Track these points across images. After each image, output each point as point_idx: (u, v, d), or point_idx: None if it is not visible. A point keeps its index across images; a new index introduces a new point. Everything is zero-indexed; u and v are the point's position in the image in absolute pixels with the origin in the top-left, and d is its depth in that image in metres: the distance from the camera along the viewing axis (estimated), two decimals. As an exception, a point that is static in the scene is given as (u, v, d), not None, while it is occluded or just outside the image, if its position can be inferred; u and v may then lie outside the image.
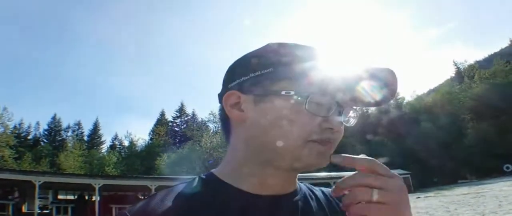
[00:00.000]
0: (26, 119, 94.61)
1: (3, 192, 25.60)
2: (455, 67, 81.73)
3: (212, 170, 0.90)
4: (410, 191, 39.54)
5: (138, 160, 68.86)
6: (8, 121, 63.64)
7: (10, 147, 58.80)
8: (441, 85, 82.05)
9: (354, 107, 0.84)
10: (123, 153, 79.13)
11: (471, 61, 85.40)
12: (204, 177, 0.88)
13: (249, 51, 0.88)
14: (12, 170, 31.30)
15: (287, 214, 0.84)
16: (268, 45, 0.85)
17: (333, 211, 0.95)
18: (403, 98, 78.53)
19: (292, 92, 0.77)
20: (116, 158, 68.35)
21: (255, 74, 0.81)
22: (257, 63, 0.82)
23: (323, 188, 1.04)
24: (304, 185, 0.99)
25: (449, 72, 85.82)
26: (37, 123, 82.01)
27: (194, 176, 0.90)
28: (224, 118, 0.89)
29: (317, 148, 0.77)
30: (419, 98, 75.25)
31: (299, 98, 0.76)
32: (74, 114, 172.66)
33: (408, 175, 45.95)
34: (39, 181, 24.73)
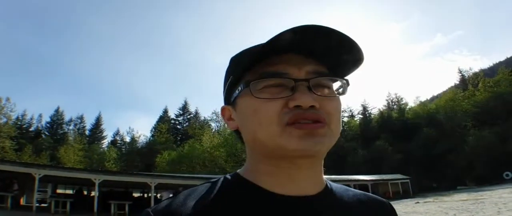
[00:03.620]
0: (29, 110, 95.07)
1: (2, 184, 25.50)
2: (460, 74, 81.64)
3: (238, 171, 0.90)
4: (409, 196, 39.69)
5: (138, 157, 69.03)
6: (11, 111, 64.95)
7: (11, 138, 59.32)
8: (445, 92, 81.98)
9: (325, 76, 0.81)
10: (123, 149, 79.40)
11: (476, 69, 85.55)
12: (229, 177, 0.88)
13: None
14: (12, 162, 30.90)
15: None
16: (230, 58, 0.91)
17: None
18: (406, 104, 78.97)
19: (240, 87, 0.81)
20: (116, 154, 68.40)
21: (226, 86, 0.90)
22: (226, 75, 0.91)
23: (359, 191, 1.00)
24: (339, 186, 0.95)
25: (454, 80, 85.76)
26: (40, 115, 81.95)
27: (219, 176, 0.90)
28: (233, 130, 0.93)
29: (296, 132, 0.75)
30: (422, 104, 75.51)
31: (246, 89, 0.78)
32: (78, 108, 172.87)
33: (408, 180, 46.00)
34: (39, 174, 24.49)
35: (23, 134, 71.48)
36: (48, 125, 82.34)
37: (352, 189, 0.99)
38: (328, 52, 0.80)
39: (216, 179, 0.89)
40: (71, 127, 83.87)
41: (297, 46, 0.77)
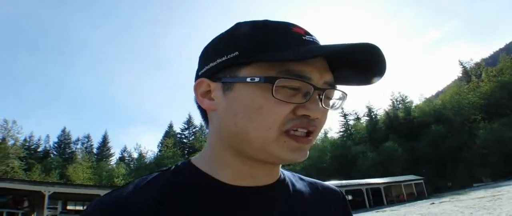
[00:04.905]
0: (36, 132, 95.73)
1: (13, 201, 25.76)
2: (461, 66, 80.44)
3: (191, 158, 0.84)
4: (424, 197, 39.11)
5: (147, 172, 68.71)
6: (18, 133, 65.58)
7: (20, 159, 60.08)
8: (448, 86, 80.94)
9: (337, 89, 0.78)
10: (132, 165, 79.54)
11: (477, 59, 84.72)
12: (180, 165, 0.83)
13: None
14: (22, 180, 32.20)
15: (262, 207, 0.78)
16: (236, 26, 0.78)
17: (317, 206, 0.89)
18: (411, 102, 77.88)
19: (257, 79, 0.70)
20: (124, 170, 68.50)
21: (221, 59, 0.75)
22: (224, 46, 0.76)
23: (313, 180, 0.99)
24: (292, 175, 0.94)
25: (456, 72, 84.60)
26: (47, 136, 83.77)
27: (171, 165, 0.84)
28: (200, 107, 0.83)
29: (290, 144, 0.71)
30: (427, 101, 74.49)
31: (266, 85, 0.69)
32: (84, 127, 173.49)
33: (422, 181, 45.20)
34: (49, 191, 24.97)
35: (31, 155, 73.12)
36: (56, 145, 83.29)
37: (306, 177, 0.98)
38: (349, 66, 0.75)
39: (167, 168, 0.83)
40: (78, 146, 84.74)
41: (330, 53, 0.72)
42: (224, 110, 0.75)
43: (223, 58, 0.74)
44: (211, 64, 0.77)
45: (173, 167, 0.83)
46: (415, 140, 60.18)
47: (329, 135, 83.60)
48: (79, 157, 75.51)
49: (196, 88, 0.80)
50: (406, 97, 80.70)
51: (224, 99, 0.75)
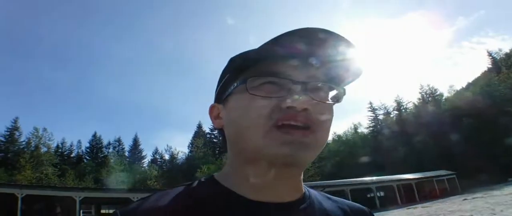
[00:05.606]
0: (68, 138, 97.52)
1: (46, 208, 26.61)
2: (490, 57, 78.44)
3: (214, 174, 0.89)
4: (457, 192, 38.50)
5: (179, 173, 69.79)
6: (49, 141, 69.18)
7: (53, 165, 62.85)
8: (478, 78, 78.99)
9: (321, 82, 0.80)
10: (164, 167, 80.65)
11: (506, 49, 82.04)
12: (203, 180, 0.88)
13: None
14: (53, 187, 33.38)
15: None
16: (230, 58, 0.87)
17: None
18: (441, 95, 76.28)
19: (236, 83, 0.81)
20: (157, 172, 69.40)
21: (220, 84, 0.88)
22: (221, 75, 0.89)
23: (340, 199, 1.00)
24: (319, 194, 0.95)
25: (485, 64, 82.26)
26: (79, 142, 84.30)
27: (194, 180, 0.89)
28: (216, 128, 0.92)
29: (282, 138, 0.73)
30: (458, 93, 72.75)
31: (242, 86, 0.78)
32: (114, 131, 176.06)
33: (454, 176, 44.52)
34: (80, 197, 25.72)
35: (65, 161, 75.02)
36: (88, 150, 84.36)
37: (333, 197, 0.99)
38: (330, 59, 0.79)
39: (189, 183, 0.87)
40: (110, 150, 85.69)
41: (299, 49, 0.76)
42: (227, 122, 0.85)
43: (221, 83, 0.88)
44: (216, 92, 0.91)
45: (196, 182, 0.87)
46: (447, 134, 58.31)
47: (359, 131, 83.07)
48: (111, 160, 76.76)
49: (209, 113, 0.93)
50: (435, 89, 79.20)
51: (225, 114, 0.86)
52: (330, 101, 0.82)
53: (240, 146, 0.80)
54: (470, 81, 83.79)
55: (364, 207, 1.00)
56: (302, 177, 0.87)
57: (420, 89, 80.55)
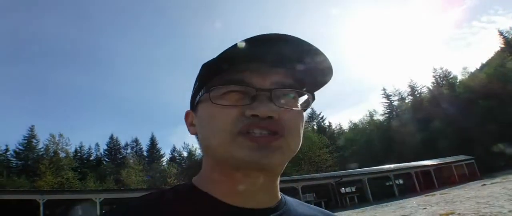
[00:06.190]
0: (85, 142, 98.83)
1: (67, 211, 27.39)
2: (502, 37, 76.67)
3: (193, 179, 0.90)
4: (476, 178, 38.28)
5: (199, 170, 70.17)
6: (66, 145, 70.22)
7: (73, 169, 64.21)
8: (492, 59, 77.59)
9: (285, 88, 0.80)
10: (183, 164, 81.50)
11: (517, 28, 79.46)
12: (181, 186, 0.89)
13: None
14: (73, 191, 35.22)
15: None
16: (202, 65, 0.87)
17: None
18: (455, 78, 75.29)
19: (202, 92, 0.82)
20: (176, 170, 70.10)
21: (192, 92, 0.89)
22: (195, 81, 0.89)
23: (317, 208, 1.03)
24: (294, 201, 0.97)
25: (497, 43, 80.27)
26: (97, 144, 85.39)
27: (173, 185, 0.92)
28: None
29: (247, 144, 0.74)
30: (472, 75, 71.50)
31: (206, 95, 0.79)
32: (130, 132, 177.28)
33: (473, 160, 44.19)
34: (99, 199, 26.33)
35: (84, 164, 76.72)
36: (106, 152, 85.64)
37: (306, 204, 1.02)
38: (295, 63, 0.79)
39: (168, 188, 0.88)
40: (128, 151, 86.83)
41: (263, 55, 0.76)
42: (198, 129, 0.87)
43: (193, 91, 0.89)
44: (191, 98, 0.91)
45: (174, 186, 0.89)
46: (463, 118, 57.68)
47: (375, 118, 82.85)
48: (130, 161, 77.64)
49: (185, 119, 0.95)
50: (449, 72, 77.84)
51: (196, 121, 0.87)
52: (297, 108, 0.82)
53: (210, 152, 0.82)
54: (484, 62, 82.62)
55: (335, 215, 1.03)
56: (278, 183, 0.87)
57: (434, 72, 79.28)
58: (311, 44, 0.77)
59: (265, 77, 0.78)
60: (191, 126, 0.91)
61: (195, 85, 0.88)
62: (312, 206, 1.01)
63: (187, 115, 0.94)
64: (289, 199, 0.94)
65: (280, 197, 0.89)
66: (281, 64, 0.79)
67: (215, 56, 0.79)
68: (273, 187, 0.85)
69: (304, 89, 0.84)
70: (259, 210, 0.81)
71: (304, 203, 1.01)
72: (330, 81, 0.86)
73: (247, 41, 0.73)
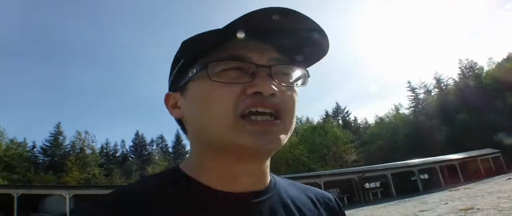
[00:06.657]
0: (111, 138, 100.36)
1: None
2: None
3: (179, 165, 0.86)
4: (503, 172, 37.45)
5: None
6: (92, 142, 73.02)
7: (99, 166, 66.57)
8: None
9: (285, 65, 0.78)
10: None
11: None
12: (167, 170, 0.85)
13: None
14: (97, 186, 37.21)
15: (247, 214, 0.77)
16: (182, 42, 0.82)
17: (310, 213, 0.89)
18: (482, 68, 73.35)
19: (195, 70, 0.75)
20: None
21: (174, 71, 0.82)
22: (174, 60, 0.82)
23: (306, 186, 1.01)
24: (285, 181, 0.95)
25: None
26: (123, 141, 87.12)
27: (160, 172, 0.88)
28: (175, 119, 0.88)
29: (249, 128, 0.70)
30: (499, 66, 68.96)
31: (202, 72, 0.73)
32: (156, 129, 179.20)
33: (499, 154, 43.17)
34: None
35: (110, 160, 78.62)
36: (132, 148, 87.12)
37: (300, 184, 1.00)
38: (291, 37, 0.76)
39: (153, 174, 0.86)
40: (154, 147, 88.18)
41: (258, 30, 0.72)
42: (187, 112, 0.80)
43: (175, 70, 0.82)
44: (170, 79, 0.85)
45: (161, 173, 0.86)
46: (490, 110, 56.25)
47: (400, 112, 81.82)
48: (156, 157, 78.59)
49: (165, 103, 0.87)
50: (475, 63, 75.98)
51: (185, 103, 0.80)
52: (296, 85, 0.80)
53: (205, 137, 0.77)
54: (511, 52, 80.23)
55: (329, 194, 1.02)
56: (268, 164, 0.85)
57: (459, 63, 77.86)
58: (307, 17, 0.73)
59: (262, 53, 0.75)
60: (175, 109, 0.84)
61: (179, 62, 0.80)
62: (306, 187, 0.99)
63: (167, 97, 0.86)
64: (279, 180, 0.91)
65: (270, 178, 0.87)
66: (277, 40, 0.76)
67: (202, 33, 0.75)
68: (263, 170, 0.83)
69: (301, 65, 0.81)
70: (248, 193, 0.78)
71: (298, 184, 0.99)
72: (324, 56, 0.83)
73: (243, 17, 0.68)
